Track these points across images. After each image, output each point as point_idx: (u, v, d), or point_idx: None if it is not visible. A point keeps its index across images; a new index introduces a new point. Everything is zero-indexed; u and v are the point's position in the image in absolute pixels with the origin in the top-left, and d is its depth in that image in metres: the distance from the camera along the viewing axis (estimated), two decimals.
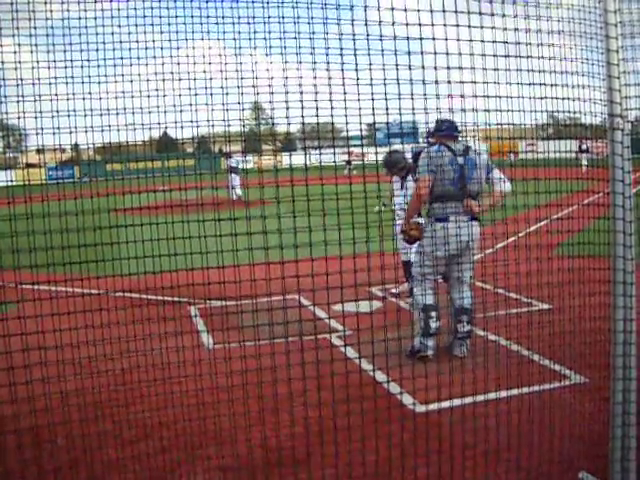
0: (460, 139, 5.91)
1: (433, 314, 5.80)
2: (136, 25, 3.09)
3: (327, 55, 2.93)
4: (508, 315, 6.28)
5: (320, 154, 3.40)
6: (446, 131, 5.88)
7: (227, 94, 3.04)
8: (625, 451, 3.16)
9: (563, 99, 3.25)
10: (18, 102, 2.87)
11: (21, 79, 2.87)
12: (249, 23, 2.93)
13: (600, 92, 3.14)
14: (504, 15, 3.10)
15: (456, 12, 3.00)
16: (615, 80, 3.01)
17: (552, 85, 3.23)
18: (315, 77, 2.93)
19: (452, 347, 5.89)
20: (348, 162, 22.34)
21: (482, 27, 3.05)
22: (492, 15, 3.08)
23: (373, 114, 3.05)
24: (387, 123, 3.15)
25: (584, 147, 25.79)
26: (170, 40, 3.07)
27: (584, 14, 3.19)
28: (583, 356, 4.11)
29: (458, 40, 3.01)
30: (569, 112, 3.33)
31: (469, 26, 3.03)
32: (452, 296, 5.99)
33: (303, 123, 3.06)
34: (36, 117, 2.91)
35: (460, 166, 5.76)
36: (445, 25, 2.99)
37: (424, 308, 5.81)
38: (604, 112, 3.12)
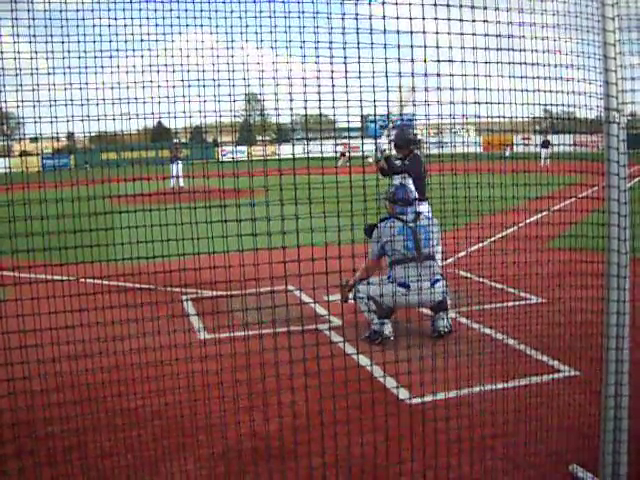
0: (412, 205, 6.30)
1: (378, 298, 6.06)
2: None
3: (330, 49, 2.93)
4: (503, 308, 6.33)
5: (321, 144, 3.38)
6: (399, 204, 6.26)
7: (234, 86, 3.09)
8: (617, 444, 3.18)
9: (557, 92, 3.25)
10: (17, 91, 2.88)
11: (20, 69, 2.88)
12: (255, 17, 2.95)
13: (596, 86, 3.14)
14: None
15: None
16: (612, 73, 3.01)
17: (546, 78, 3.22)
18: (319, 70, 2.94)
19: (433, 326, 6.17)
20: (343, 154, 22.30)
21: (485, 21, 3.05)
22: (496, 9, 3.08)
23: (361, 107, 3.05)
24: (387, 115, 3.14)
25: (546, 142, 25.79)
26: (178, 32, 3.10)
27: (580, 7, 3.19)
28: (574, 349, 4.13)
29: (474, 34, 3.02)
30: (564, 105, 3.33)
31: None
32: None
33: (306, 115, 3.07)
34: (34, 106, 2.91)
35: (412, 231, 6.13)
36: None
37: (368, 297, 6.11)
38: (600, 105, 3.11)
